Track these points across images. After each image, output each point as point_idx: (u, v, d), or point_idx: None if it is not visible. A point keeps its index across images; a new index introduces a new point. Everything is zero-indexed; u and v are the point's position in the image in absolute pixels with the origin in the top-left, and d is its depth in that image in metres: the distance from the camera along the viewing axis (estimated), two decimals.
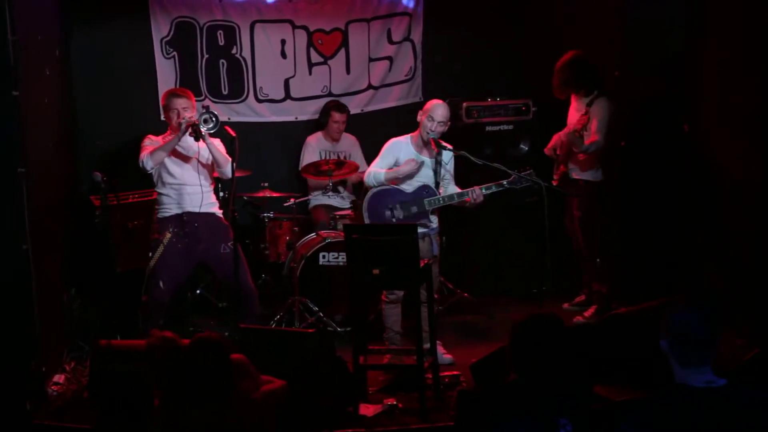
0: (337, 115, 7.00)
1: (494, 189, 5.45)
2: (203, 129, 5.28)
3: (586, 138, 6.10)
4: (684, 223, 6.08)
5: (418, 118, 5.51)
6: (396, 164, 5.51)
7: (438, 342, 5.50)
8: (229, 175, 5.38)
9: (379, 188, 5.52)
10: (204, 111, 5.31)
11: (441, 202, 5.49)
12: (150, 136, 5.62)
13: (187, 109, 5.50)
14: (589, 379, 3.64)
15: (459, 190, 5.55)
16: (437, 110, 5.45)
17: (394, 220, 5.45)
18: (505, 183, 5.44)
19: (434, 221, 5.55)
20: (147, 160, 5.43)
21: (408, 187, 5.52)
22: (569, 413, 2.89)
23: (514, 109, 6.97)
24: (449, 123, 5.52)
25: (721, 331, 2.80)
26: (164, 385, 3.73)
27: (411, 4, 7.40)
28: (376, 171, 5.52)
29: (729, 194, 5.70)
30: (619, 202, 6.36)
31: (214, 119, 5.28)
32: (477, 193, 5.41)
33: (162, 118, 5.95)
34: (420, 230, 5.41)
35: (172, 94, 5.61)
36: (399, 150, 5.53)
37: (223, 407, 3.58)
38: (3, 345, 4.68)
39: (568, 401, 2.93)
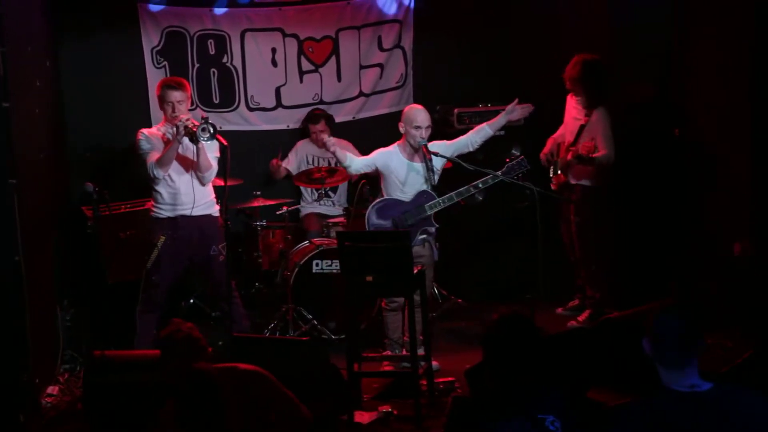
0: (313, 127, 6.99)
1: (490, 182, 5.49)
2: (201, 140, 5.27)
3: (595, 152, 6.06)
4: (675, 228, 6.09)
5: (401, 129, 5.52)
6: (385, 168, 5.52)
7: None
8: (207, 181, 5.49)
9: (378, 203, 5.53)
10: (203, 121, 5.27)
11: (442, 204, 5.49)
12: (143, 130, 5.57)
13: (182, 102, 5.48)
14: (581, 381, 3.65)
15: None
16: (419, 116, 5.47)
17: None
18: (499, 174, 5.47)
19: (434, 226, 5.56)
20: (157, 170, 5.41)
21: (406, 196, 5.52)
22: (557, 411, 2.90)
23: None
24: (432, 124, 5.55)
25: (701, 332, 2.82)
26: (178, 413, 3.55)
27: (401, 11, 7.42)
28: (352, 157, 5.60)
29: (719, 199, 5.71)
30: (612, 208, 6.36)
31: (211, 130, 5.25)
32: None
33: (157, 109, 5.90)
34: (420, 236, 5.43)
35: (166, 86, 5.56)
36: (389, 158, 5.54)
37: None
38: None
39: (555, 400, 2.95)
